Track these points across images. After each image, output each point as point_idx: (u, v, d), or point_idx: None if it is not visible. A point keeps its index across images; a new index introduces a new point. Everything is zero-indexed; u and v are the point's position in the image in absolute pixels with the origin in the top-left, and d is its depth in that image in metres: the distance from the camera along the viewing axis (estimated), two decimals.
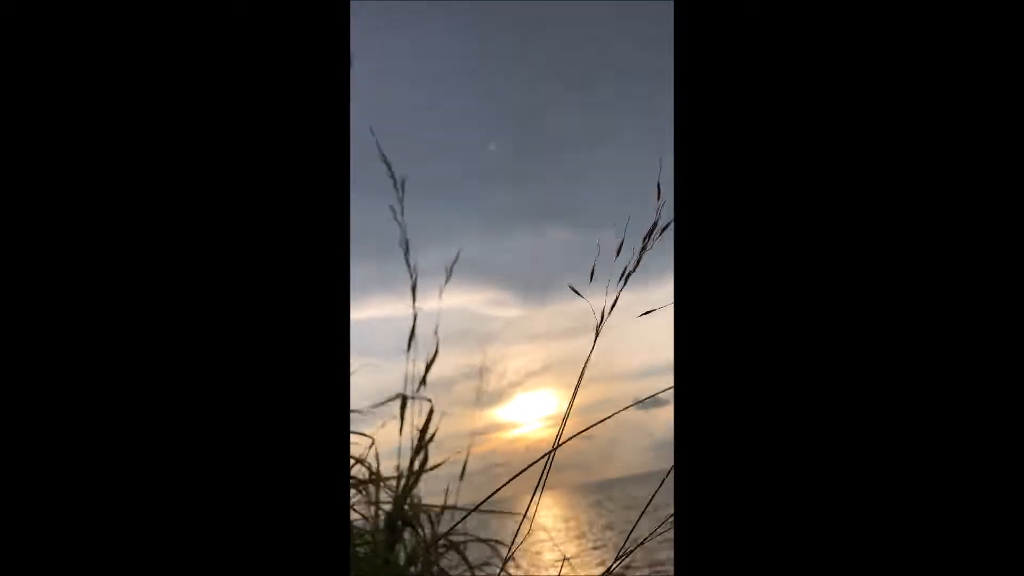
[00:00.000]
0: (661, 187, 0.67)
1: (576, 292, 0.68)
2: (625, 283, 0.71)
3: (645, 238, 0.70)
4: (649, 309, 0.71)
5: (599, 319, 0.70)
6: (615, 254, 0.70)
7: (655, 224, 0.69)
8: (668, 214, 0.68)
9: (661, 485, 0.75)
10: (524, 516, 0.75)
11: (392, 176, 1.34)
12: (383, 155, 1.33)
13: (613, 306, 0.71)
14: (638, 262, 0.70)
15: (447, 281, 1.39)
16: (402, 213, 1.36)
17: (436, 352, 1.43)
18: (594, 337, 0.70)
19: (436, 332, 1.42)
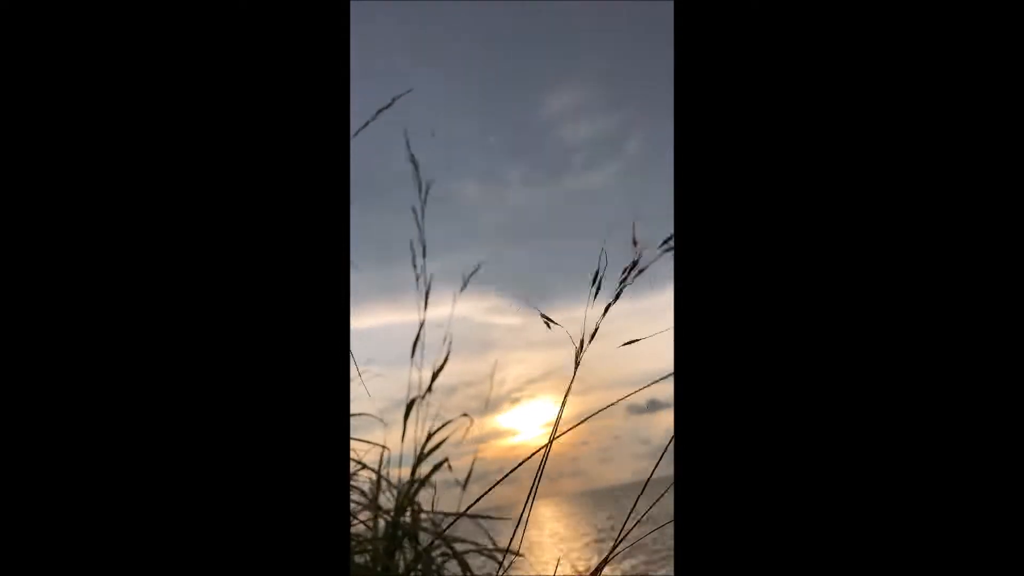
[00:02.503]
0: (637, 238, 0.71)
1: (551, 321, 0.73)
2: (605, 314, 0.75)
3: (624, 272, 0.75)
4: (632, 339, 0.76)
5: (579, 347, 0.75)
6: (593, 282, 0.74)
7: (634, 263, 0.73)
8: (649, 255, 0.73)
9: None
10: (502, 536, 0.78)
11: (418, 179, 1.41)
12: (413, 157, 1.40)
13: (593, 336, 0.75)
14: (617, 295, 0.75)
15: (463, 289, 1.45)
16: (422, 216, 1.43)
17: (446, 359, 1.47)
18: (575, 365, 0.75)
19: (446, 340, 1.47)
